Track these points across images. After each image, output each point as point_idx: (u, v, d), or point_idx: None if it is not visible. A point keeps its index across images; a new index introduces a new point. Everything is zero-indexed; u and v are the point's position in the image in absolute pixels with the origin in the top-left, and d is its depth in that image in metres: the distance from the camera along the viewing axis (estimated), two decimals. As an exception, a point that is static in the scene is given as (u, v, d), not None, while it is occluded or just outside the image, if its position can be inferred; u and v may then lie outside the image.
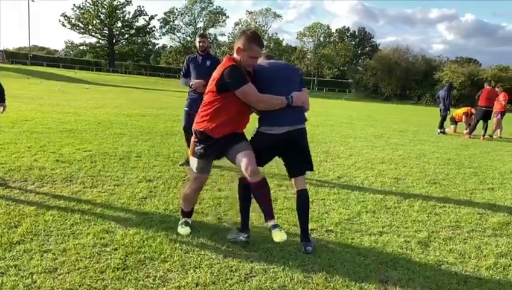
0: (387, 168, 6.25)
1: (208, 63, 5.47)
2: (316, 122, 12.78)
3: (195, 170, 3.01)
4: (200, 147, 2.92)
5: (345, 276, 2.58)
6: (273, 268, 2.65)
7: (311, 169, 3.10)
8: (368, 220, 3.71)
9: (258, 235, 3.15)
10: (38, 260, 2.53)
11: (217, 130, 2.84)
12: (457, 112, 12.66)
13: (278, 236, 2.85)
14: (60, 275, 2.38)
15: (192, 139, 3.01)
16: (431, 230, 3.56)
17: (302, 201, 3.06)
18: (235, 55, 2.85)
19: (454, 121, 12.74)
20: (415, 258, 2.95)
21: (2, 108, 4.31)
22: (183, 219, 3.20)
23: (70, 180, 4.33)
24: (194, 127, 2.99)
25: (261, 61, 3.09)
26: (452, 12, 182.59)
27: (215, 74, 2.83)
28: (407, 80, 54.15)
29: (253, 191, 2.88)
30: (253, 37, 2.79)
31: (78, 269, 2.46)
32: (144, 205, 3.73)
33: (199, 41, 5.52)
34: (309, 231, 3.06)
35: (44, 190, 3.98)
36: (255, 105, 2.83)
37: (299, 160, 3.04)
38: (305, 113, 3.09)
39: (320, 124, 12.53)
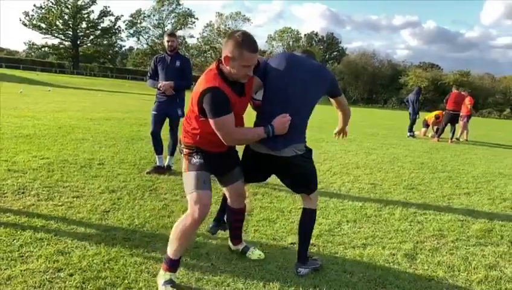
0: (363, 173, 6.12)
1: (178, 63, 5.15)
2: (287, 126, 12.62)
3: (194, 188, 2.30)
4: (198, 157, 2.38)
5: (332, 298, 2.34)
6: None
7: (308, 193, 2.67)
8: (349, 231, 3.50)
9: (236, 254, 2.86)
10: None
11: (210, 148, 2.40)
12: (430, 115, 12.84)
13: (256, 255, 2.82)
14: (1, 310, 2.01)
15: (185, 152, 2.45)
16: (415, 240, 3.39)
17: (303, 222, 2.70)
18: (223, 65, 2.25)
19: (426, 124, 12.92)
20: (404, 274, 2.74)
21: None
22: (168, 276, 2.30)
23: (22, 192, 3.88)
24: (184, 141, 2.46)
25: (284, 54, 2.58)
26: (415, 19, 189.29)
27: (196, 89, 2.26)
28: (374, 84, 55.43)
29: (230, 214, 2.78)
30: (244, 41, 2.16)
31: (24, 302, 2.09)
32: (106, 219, 3.35)
33: (168, 41, 5.18)
34: (307, 253, 2.68)
35: (-9, 204, 3.53)
36: (224, 138, 2.28)
37: (292, 183, 2.66)
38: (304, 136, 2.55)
39: (292, 127, 12.37)
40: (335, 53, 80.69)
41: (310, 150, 2.61)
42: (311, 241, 3.17)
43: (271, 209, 3.96)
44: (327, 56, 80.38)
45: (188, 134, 2.41)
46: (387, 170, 6.52)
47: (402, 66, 58.01)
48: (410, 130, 12.50)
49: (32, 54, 74.11)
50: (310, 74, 2.50)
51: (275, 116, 2.37)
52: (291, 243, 3.13)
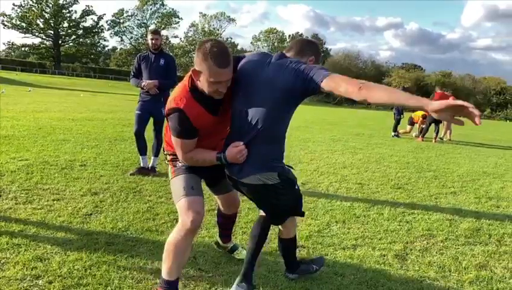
0: (350, 173, 6.09)
1: (162, 62, 5.03)
2: (273, 126, 12.57)
3: (183, 195, 2.10)
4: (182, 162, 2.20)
5: (324, 302, 2.27)
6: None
7: (276, 224, 2.41)
8: (339, 232, 3.44)
9: (224, 257, 2.78)
10: None
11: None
12: (417, 113, 12.89)
13: (243, 255, 2.70)
14: (-27, 322, 1.88)
15: (168, 158, 2.31)
16: (405, 241, 3.35)
17: (282, 250, 2.50)
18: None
19: (412, 122, 13.02)
20: (395, 275, 2.70)
21: None
22: None
23: (-1, 196, 3.71)
24: (166, 148, 2.32)
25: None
26: (398, 20, 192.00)
27: (169, 100, 2.06)
28: (358, 84, 55.91)
29: (221, 218, 2.74)
30: (212, 54, 1.85)
31: (-1, 313, 1.96)
32: (87, 223, 3.22)
33: (151, 38, 5.05)
34: (295, 261, 2.51)
35: (-35, 208, 3.36)
36: (179, 156, 2.12)
37: (258, 205, 2.36)
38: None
39: (278, 128, 12.33)
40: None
41: (290, 181, 2.11)
42: (301, 243, 3.11)
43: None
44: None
45: (167, 143, 2.28)
46: (373, 169, 6.51)
47: (385, 67, 58.78)
48: (395, 130, 12.59)
49: (12, 53, 72.52)
50: (270, 79, 1.96)
51: (234, 138, 2.03)
52: (281, 245, 3.05)
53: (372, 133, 13.13)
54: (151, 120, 5.21)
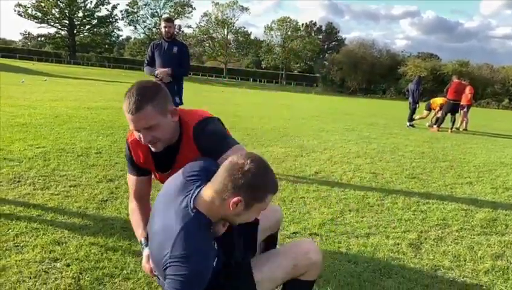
0: (364, 162, 6.04)
1: (175, 49, 5.03)
2: (287, 116, 12.55)
3: None
4: None
5: (337, 288, 2.27)
6: None
7: None
8: (352, 220, 3.43)
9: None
10: (-33, 284, 2.06)
11: None
12: (436, 100, 12.66)
13: None
14: (-5, 302, 1.94)
15: None
16: (419, 230, 3.33)
17: None
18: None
19: (429, 108, 12.81)
20: (409, 264, 2.68)
21: None
22: None
23: (18, 181, 3.79)
24: None
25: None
26: (414, 8, 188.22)
27: None
28: (373, 74, 55.10)
29: None
30: (125, 95, 1.58)
31: (19, 294, 2.01)
32: (103, 208, 3.28)
33: (165, 26, 5.05)
34: None
35: (-15, 193, 3.44)
36: None
37: None
38: None
39: (291, 117, 12.29)
40: (334, 43, 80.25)
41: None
42: (314, 231, 3.11)
43: (272, 198, 3.88)
44: (326, 46, 80.00)
45: None
46: (388, 159, 6.45)
47: (401, 56, 57.71)
48: (410, 119, 12.42)
49: (29, 43, 73.49)
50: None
51: None
52: (294, 233, 3.06)
53: (387, 123, 12.98)
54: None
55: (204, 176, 1.48)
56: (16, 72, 28.56)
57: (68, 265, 2.32)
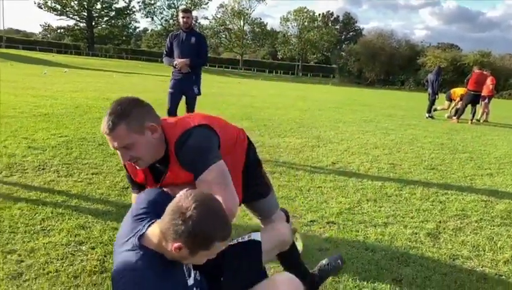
0: (382, 153, 6.01)
1: (193, 40, 5.07)
2: (304, 107, 12.51)
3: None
4: None
5: (355, 275, 2.30)
6: (274, 268, 2.35)
7: None
8: (370, 210, 3.44)
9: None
10: (0, 264, 2.16)
11: None
12: (456, 90, 12.41)
13: (300, 245, 2.45)
14: (25, 281, 2.02)
15: None
16: (438, 220, 3.31)
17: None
18: None
19: (450, 98, 12.58)
20: (427, 253, 2.68)
21: None
22: None
23: (43, 169, 3.92)
24: None
25: None
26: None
27: None
28: (391, 65, 54.28)
29: None
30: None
31: (48, 274, 2.09)
32: (124, 195, 3.36)
33: (183, 17, 5.09)
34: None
35: (13, 179, 3.56)
36: None
37: None
38: None
39: (308, 108, 12.25)
40: (351, 33, 79.27)
41: None
42: (331, 220, 3.13)
43: (289, 188, 3.92)
44: (343, 37, 79.03)
45: None
46: (406, 150, 6.39)
47: (420, 47, 56.63)
48: (429, 111, 12.22)
49: (48, 35, 74.64)
50: None
51: None
52: (311, 221, 3.09)
53: (405, 114, 12.82)
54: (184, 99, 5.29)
55: (153, 210, 1.41)
56: (36, 64, 29.16)
57: (93, 248, 2.40)
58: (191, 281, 1.42)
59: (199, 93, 5.22)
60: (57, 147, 4.81)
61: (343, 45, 73.74)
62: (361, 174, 4.68)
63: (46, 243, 2.41)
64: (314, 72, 66.98)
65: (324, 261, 2.11)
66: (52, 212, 2.87)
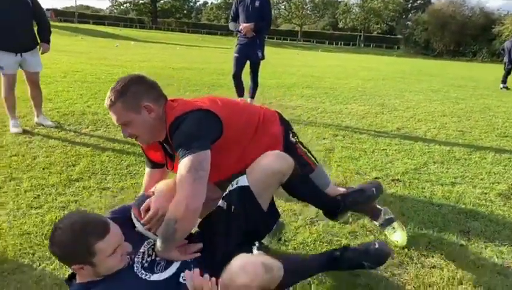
0: (450, 120, 5.78)
1: (257, 3, 5.13)
2: (366, 77, 12.18)
3: None
4: None
5: (420, 224, 2.35)
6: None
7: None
8: (437, 170, 3.40)
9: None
10: (97, 197, 2.48)
11: None
12: None
13: (399, 236, 2.09)
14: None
15: None
16: (510, 183, 3.21)
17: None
18: None
19: None
20: (497, 211, 2.64)
21: (45, 48, 4.12)
22: None
23: (122, 125, 4.28)
24: None
25: None
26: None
27: None
28: (462, 34, 50.40)
29: None
30: None
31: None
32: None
33: (247, -18, 5.15)
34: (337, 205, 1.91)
35: (98, 133, 3.96)
36: None
37: None
38: None
39: (371, 78, 11.92)
40: (419, 1, 74.22)
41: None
42: (396, 178, 3.16)
43: (353, 149, 3.96)
44: (410, 5, 74.36)
45: None
46: (477, 118, 6.09)
47: (496, 15, 51.89)
48: (504, 81, 11.36)
49: (115, 10, 78.04)
50: None
51: None
52: (376, 178, 3.14)
53: (477, 85, 12.03)
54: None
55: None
56: (105, 38, 30.76)
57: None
58: (160, 277, 1.40)
59: (263, 58, 5.32)
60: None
61: (410, 14, 69.42)
62: (428, 139, 4.58)
63: (133, 184, 2.71)
64: (377, 43, 64.08)
65: (356, 187, 1.99)
66: (135, 160, 3.18)
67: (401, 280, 1.82)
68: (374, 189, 1.94)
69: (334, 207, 1.89)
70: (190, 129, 1.52)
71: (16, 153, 3.23)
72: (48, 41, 4.14)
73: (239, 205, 1.57)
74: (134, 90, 1.56)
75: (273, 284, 1.30)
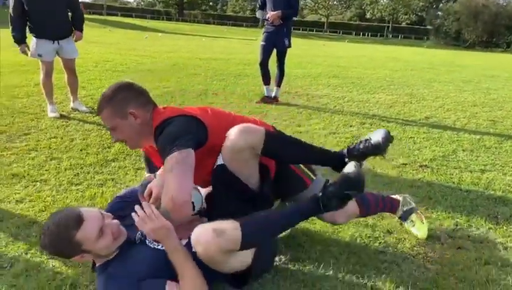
0: (481, 110, 5.66)
1: (284, -9, 5.15)
2: (394, 67, 11.97)
3: None
4: None
5: (447, 208, 2.36)
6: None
7: None
8: (466, 158, 3.37)
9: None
10: (133, 175, 2.61)
11: None
12: None
13: (419, 230, 2.02)
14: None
15: None
16: (543, 171, 3.15)
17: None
18: None
19: None
20: (528, 197, 2.62)
21: (78, 36, 4.31)
22: None
23: (153, 112, 4.42)
24: None
25: None
26: None
27: None
28: (496, 24, 48.53)
29: None
30: None
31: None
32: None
33: (276, -31, 5.17)
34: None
35: (130, 118, 4.10)
36: None
37: None
38: None
39: (399, 68, 11.70)
40: (450, -9, 71.81)
41: None
42: (424, 164, 3.15)
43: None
44: (441, -6, 72.02)
45: None
46: (509, 108, 5.93)
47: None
48: (540, 72, 10.94)
49: (142, 3, 79.13)
50: None
51: None
52: (403, 164, 3.14)
53: (510, 76, 11.64)
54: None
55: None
56: (132, 29, 31.28)
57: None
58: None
59: (289, 46, 5.34)
60: (162, 96, 5.34)
61: (440, 4, 67.28)
62: (457, 128, 4.52)
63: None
64: (406, 34, 62.52)
65: (363, 138, 1.77)
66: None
67: (427, 258, 1.86)
68: (382, 138, 1.69)
69: (338, 158, 1.72)
70: (174, 130, 1.53)
71: (54, 136, 3.41)
72: (81, 30, 4.32)
73: (220, 183, 1.62)
74: (122, 97, 1.61)
75: (234, 245, 1.32)
